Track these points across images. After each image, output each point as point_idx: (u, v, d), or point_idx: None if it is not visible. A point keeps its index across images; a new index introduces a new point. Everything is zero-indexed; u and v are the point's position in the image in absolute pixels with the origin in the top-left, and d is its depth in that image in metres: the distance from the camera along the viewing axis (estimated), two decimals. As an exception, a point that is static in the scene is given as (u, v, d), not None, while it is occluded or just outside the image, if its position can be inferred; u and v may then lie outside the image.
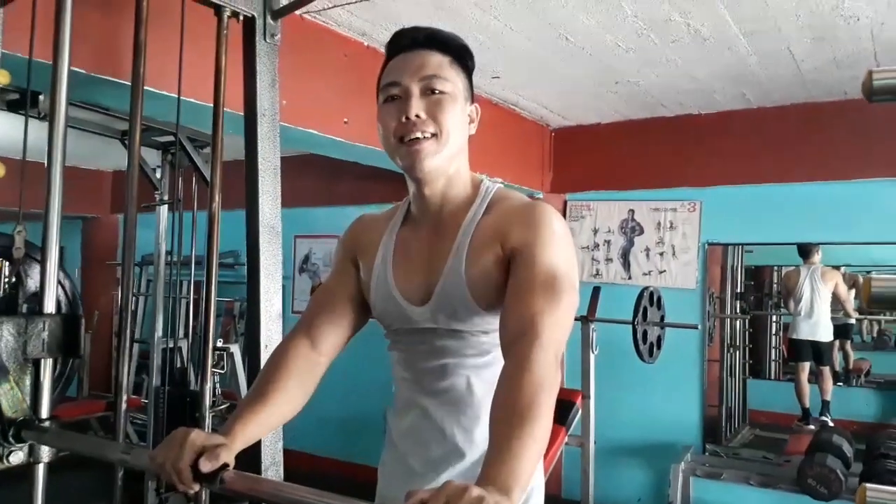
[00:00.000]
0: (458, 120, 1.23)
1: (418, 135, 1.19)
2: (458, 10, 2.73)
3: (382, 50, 1.21)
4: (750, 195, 4.12)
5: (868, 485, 0.68)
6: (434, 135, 1.20)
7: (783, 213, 4.04)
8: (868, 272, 6.06)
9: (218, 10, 1.93)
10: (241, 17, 1.98)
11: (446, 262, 1.23)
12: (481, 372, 1.27)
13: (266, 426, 1.24)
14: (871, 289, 0.67)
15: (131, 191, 1.78)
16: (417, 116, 1.18)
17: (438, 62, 1.22)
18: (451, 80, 1.21)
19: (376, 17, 2.82)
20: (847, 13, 2.70)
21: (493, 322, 1.22)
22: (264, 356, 2.02)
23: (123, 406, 1.77)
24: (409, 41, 1.25)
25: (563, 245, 1.18)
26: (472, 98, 1.29)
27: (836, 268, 5.56)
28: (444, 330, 1.25)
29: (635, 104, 4.05)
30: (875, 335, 6.56)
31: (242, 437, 1.16)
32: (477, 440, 1.26)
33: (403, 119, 1.19)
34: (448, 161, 1.24)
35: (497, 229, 1.21)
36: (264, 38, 2.01)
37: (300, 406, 1.31)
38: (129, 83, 1.79)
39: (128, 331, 1.80)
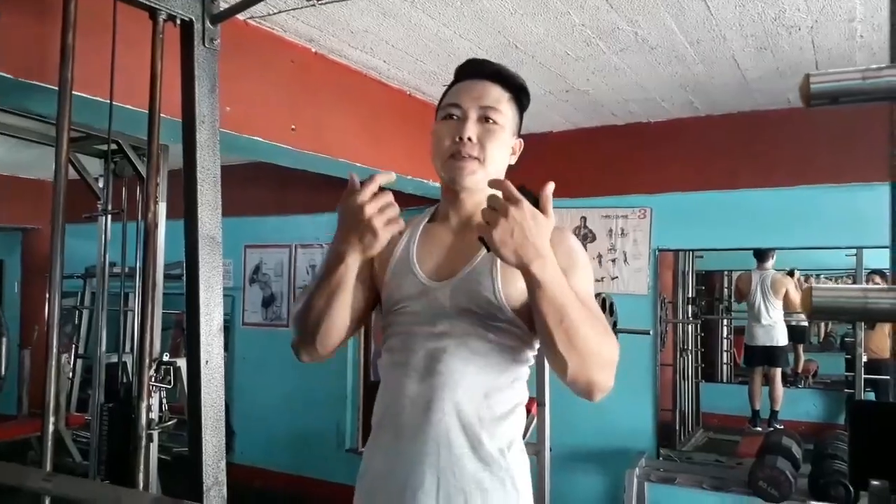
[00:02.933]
0: (503, 150, 1.37)
1: (465, 155, 1.33)
2: (406, 17, 2.70)
3: (330, 56, 1.22)
4: (699, 202, 4.18)
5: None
6: (478, 159, 1.33)
7: (732, 219, 4.10)
8: (818, 275, 6.21)
9: (153, 13, 1.86)
10: (178, 21, 1.91)
11: (478, 254, 1.32)
12: (480, 375, 1.30)
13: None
14: (813, 298, 0.65)
15: (58, 200, 1.70)
16: (469, 139, 1.33)
17: (498, 96, 1.37)
18: (504, 113, 1.36)
19: (324, 23, 2.77)
20: (788, 23, 2.75)
21: (506, 329, 1.30)
22: (205, 373, 1.95)
23: (51, 428, 1.67)
24: (477, 71, 1.41)
25: (590, 274, 1.36)
26: (519, 132, 1.44)
27: (791, 273, 5.70)
28: (456, 312, 1.30)
29: (586, 112, 4.07)
30: (822, 337, 6.74)
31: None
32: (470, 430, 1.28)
33: (457, 138, 1.33)
34: (485, 182, 1.32)
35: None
36: (203, 43, 1.94)
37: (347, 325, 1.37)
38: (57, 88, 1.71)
39: (54, 348, 1.70)
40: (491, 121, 1.35)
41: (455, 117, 1.36)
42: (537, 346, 1.36)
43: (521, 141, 1.45)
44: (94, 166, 3.94)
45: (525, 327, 1.32)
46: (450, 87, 1.44)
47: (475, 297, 1.30)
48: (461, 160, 1.33)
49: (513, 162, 1.44)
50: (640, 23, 2.74)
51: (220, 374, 2.01)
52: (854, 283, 5.47)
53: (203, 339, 1.94)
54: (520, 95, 1.41)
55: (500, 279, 1.30)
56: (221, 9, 1.98)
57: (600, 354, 1.19)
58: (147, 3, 1.82)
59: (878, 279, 5.40)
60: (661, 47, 2.99)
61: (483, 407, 1.29)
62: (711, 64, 3.23)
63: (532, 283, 1.14)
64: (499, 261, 1.25)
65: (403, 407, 1.31)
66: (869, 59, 3.13)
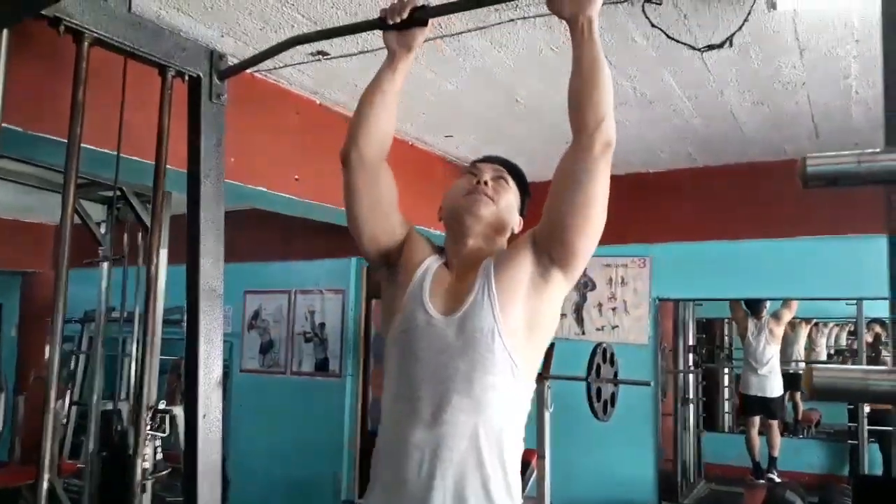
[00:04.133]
0: (511, 206, 1.56)
1: (481, 192, 1.52)
2: (411, 72, 2.74)
3: (335, 108, 1.39)
4: (698, 251, 4.19)
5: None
6: (492, 199, 1.52)
7: (731, 269, 4.11)
8: (815, 323, 6.19)
9: (162, 70, 1.90)
10: (187, 77, 1.95)
11: (475, 290, 1.43)
12: (485, 424, 1.35)
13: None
14: (813, 380, 0.66)
15: (63, 249, 1.72)
16: (486, 184, 1.53)
17: (507, 175, 1.59)
18: (511, 186, 1.58)
19: (328, 77, 2.82)
20: (784, 80, 2.81)
21: (505, 368, 1.37)
22: (202, 426, 1.94)
23: (45, 485, 1.65)
24: (493, 159, 1.63)
25: None
26: (523, 213, 1.63)
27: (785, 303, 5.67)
28: (461, 346, 1.38)
29: (586, 162, 4.11)
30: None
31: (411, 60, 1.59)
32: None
33: (475, 182, 1.53)
34: (491, 227, 1.52)
35: (517, 249, 1.46)
36: (210, 99, 1.98)
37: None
38: (66, 141, 1.73)
39: (52, 402, 1.69)
40: (503, 180, 1.56)
41: (472, 174, 1.57)
42: (533, 389, 1.46)
43: (521, 221, 1.62)
44: (96, 211, 3.97)
45: (521, 366, 1.40)
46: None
47: (478, 326, 1.38)
48: (478, 195, 1.52)
49: (514, 231, 1.59)
50: (639, 78, 2.79)
51: (218, 427, 2.00)
52: (855, 331, 5.46)
53: (202, 391, 1.93)
54: (522, 183, 1.61)
55: (497, 305, 1.39)
56: (229, 65, 2.02)
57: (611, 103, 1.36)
58: (157, 60, 1.86)
59: (878, 328, 5.40)
60: (660, 102, 3.04)
61: (489, 455, 1.34)
62: (709, 118, 3.28)
63: (583, 32, 1.33)
64: (495, 288, 1.40)
65: (408, 455, 1.35)
66: (865, 114, 3.18)
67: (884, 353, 5.29)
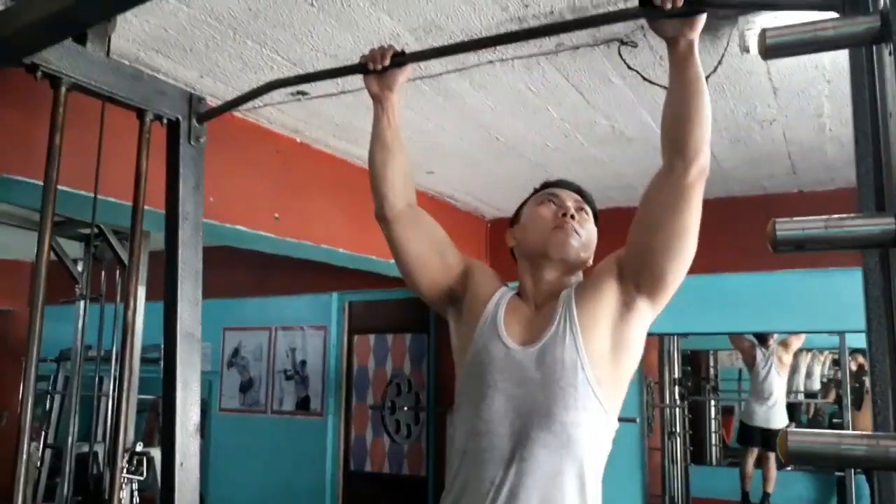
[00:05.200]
0: (593, 242, 1.52)
1: (570, 227, 1.46)
2: (390, 111, 2.76)
3: (316, 146, 1.46)
4: (680, 285, 4.20)
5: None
6: (580, 235, 1.47)
7: (713, 303, 4.13)
8: (812, 352, 6.19)
9: (140, 113, 1.89)
10: (165, 121, 1.95)
11: (555, 321, 1.38)
12: (565, 464, 1.31)
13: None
14: (788, 444, 0.65)
15: (38, 287, 1.68)
16: (573, 217, 1.47)
17: (586, 205, 1.54)
18: (591, 216, 1.54)
19: (309, 115, 2.83)
20: (760, 118, 2.85)
21: (588, 406, 1.32)
22: (179, 475, 1.89)
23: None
24: (567, 185, 1.59)
25: None
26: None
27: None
28: (541, 379, 1.34)
29: (567, 197, 4.14)
30: (810, 416, 6.67)
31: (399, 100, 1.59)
32: None
33: (561, 214, 1.47)
34: (577, 261, 1.48)
35: (600, 278, 1.41)
36: (189, 142, 1.97)
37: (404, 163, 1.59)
38: (42, 184, 1.71)
39: (24, 444, 1.65)
40: (584, 212, 1.52)
41: (554, 203, 1.51)
42: (617, 426, 1.41)
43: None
44: (73, 249, 3.92)
45: (606, 400, 1.34)
46: (536, 192, 1.61)
47: (559, 358, 1.34)
48: (567, 230, 1.46)
49: (589, 265, 1.54)
50: (617, 117, 2.82)
51: (196, 475, 1.96)
52: (838, 362, 5.48)
53: (178, 440, 1.89)
54: (595, 211, 1.58)
55: (580, 337, 1.35)
56: (208, 108, 2.02)
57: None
58: (135, 104, 1.85)
59: (860, 358, 5.42)
60: (638, 140, 3.07)
61: (571, 495, 1.30)
62: (687, 155, 3.32)
63: (684, 54, 1.25)
64: (577, 319, 1.36)
65: (486, 494, 1.31)
66: (839, 151, 3.23)
67: (866, 383, 5.31)
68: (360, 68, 1.57)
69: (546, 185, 1.61)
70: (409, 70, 1.58)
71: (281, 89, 2.51)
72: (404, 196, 1.55)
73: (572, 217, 1.47)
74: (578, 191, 1.57)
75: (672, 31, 1.25)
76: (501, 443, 1.33)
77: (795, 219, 0.66)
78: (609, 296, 1.38)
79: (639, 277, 1.36)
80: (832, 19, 0.74)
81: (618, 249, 1.44)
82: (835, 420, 5.81)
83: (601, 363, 1.34)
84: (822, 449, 0.64)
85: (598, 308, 1.37)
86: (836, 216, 0.66)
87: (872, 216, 0.67)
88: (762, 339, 5.43)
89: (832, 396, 6.16)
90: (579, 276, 1.51)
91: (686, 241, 1.30)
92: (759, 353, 5.49)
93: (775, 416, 5.49)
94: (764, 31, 0.74)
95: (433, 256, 1.54)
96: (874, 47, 0.75)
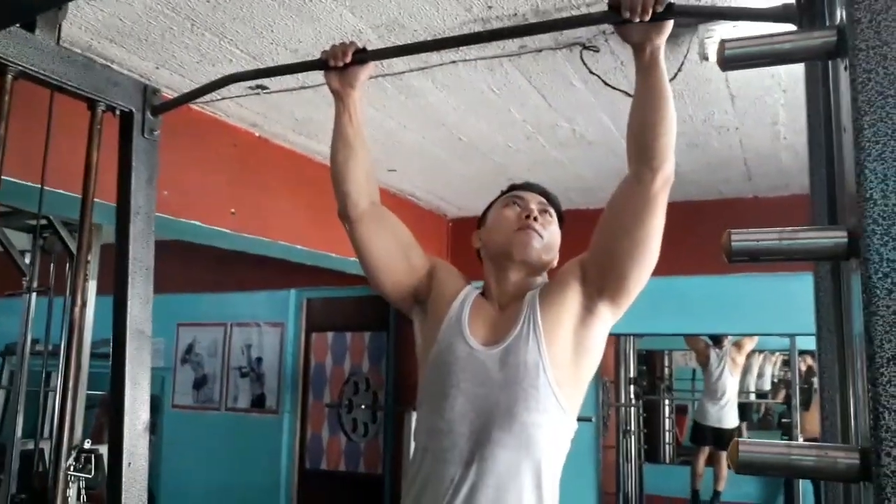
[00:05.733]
0: (556, 243, 1.53)
1: (532, 228, 1.47)
2: (352, 108, 2.73)
3: (274, 140, 1.44)
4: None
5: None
6: (542, 236, 1.48)
7: (668, 305, 4.18)
8: (763, 353, 6.32)
9: (92, 104, 1.83)
10: (118, 112, 1.89)
11: (519, 323, 1.40)
12: (525, 464, 1.32)
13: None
14: (739, 454, 0.65)
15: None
16: (535, 219, 1.48)
17: (549, 207, 1.56)
18: (555, 218, 1.55)
19: (268, 109, 2.79)
20: (717, 124, 2.90)
21: (548, 407, 1.33)
22: (127, 475, 1.84)
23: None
24: (533, 187, 1.60)
25: None
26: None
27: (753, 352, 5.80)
28: (503, 379, 1.35)
29: (528, 198, 4.16)
30: (761, 415, 6.83)
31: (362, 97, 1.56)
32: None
33: (525, 216, 1.49)
34: (540, 262, 1.49)
35: (563, 281, 1.43)
36: (142, 134, 1.91)
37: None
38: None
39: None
40: (548, 214, 1.54)
41: (518, 206, 1.53)
42: (575, 427, 1.42)
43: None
44: (21, 241, 3.80)
45: (566, 402, 1.36)
46: (502, 194, 1.62)
47: (522, 360, 1.35)
48: (529, 232, 1.47)
49: (553, 266, 1.55)
50: (578, 121, 2.84)
51: (144, 476, 1.91)
52: (788, 363, 5.63)
53: (127, 439, 1.84)
54: (560, 213, 1.60)
55: (543, 339, 1.36)
56: (163, 101, 1.96)
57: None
58: (86, 94, 1.79)
59: (809, 359, 5.57)
60: (599, 143, 3.10)
61: (529, 494, 1.32)
62: (647, 158, 3.36)
63: (650, 60, 1.25)
64: (540, 322, 1.37)
65: (445, 493, 1.32)
66: (793, 160, 3.31)
67: (815, 384, 5.45)
68: (321, 64, 1.54)
69: (512, 187, 1.62)
70: (371, 67, 1.55)
71: (240, 83, 2.47)
72: (367, 194, 1.54)
73: (535, 219, 1.48)
74: (544, 193, 1.58)
75: (638, 37, 1.26)
76: (462, 442, 1.34)
77: (750, 230, 0.67)
78: (572, 299, 1.40)
79: (602, 282, 1.38)
80: (790, 32, 0.75)
81: (581, 253, 1.45)
82: (783, 420, 5.96)
83: (562, 365, 1.36)
84: (772, 459, 0.64)
85: (560, 311, 1.39)
86: (789, 228, 0.66)
87: (825, 229, 0.68)
88: (716, 339, 5.53)
89: (781, 396, 6.33)
90: (544, 277, 1.53)
91: (650, 248, 1.33)
92: (713, 354, 5.59)
93: (727, 416, 5.59)
94: (723, 42, 0.74)
95: (398, 257, 1.54)
96: (829, 61, 0.76)
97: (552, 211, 1.55)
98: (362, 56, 1.52)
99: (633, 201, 1.32)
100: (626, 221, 1.33)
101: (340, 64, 1.49)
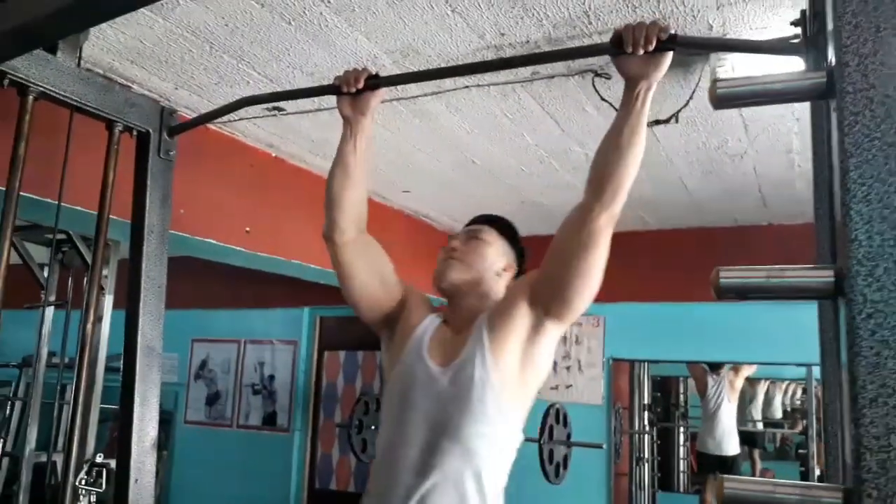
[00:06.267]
0: (485, 260, 1.62)
1: (450, 257, 1.61)
2: (366, 130, 2.77)
3: (291, 161, 1.51)
4: (650, 313, 4.24)
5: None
6: (461, 260, 1.60)
7: (683, 332, 4.16)
8: (769, 381, 6.24)
9: (110, 124, 1.88)
10: (135, 133, 1.93)
11: (468, 341, 1.50)
12: (472, 473, 1.41)
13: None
14: (724, 491, 0.65)
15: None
16: (454, 249, 1.62)
17: (485, 228, 1.68)
18: (487, 236, 1.66)
19: (284, 131, 2.83)
20: (731, 152, 2.90)
21: (496, 419, 1.43)
22: (133, 491, 1.86)
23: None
24: (474, 220, 1.74)
25: None
26: (515, 262, 1.68)
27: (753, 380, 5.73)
28: (454, 393, 1.45)
29: (540, 221, 4.13)
30: (777, 445, 6.70)
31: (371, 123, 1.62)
32: None
33: (449, 248, 1.64)
34: (469, 284, 1.59)
35: (512, 301, 1.50)
36: (158, 155, 1.96)
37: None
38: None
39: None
40: (475, 239, 1.64)
41: (452, 239, 1.68)
42: (521, 437, 1.52)
43: (514, 266, 1.68)
44: (41, 254, 3.87)
45: (511, 414, 1.46)
46: None
47: (470, 376, 1.44)
48: (447, 261, 1.61)
49: (504, 277, 1.64)
50: (591, 146, 2.83)
51: (150, 492, 1.92)
52: (805, 393, 5.54)
53: (134, 456, 1.86)
54: (504, 230, 1.70)
55: (489, 357, 1.45)
56: (179, 122, 2.01)
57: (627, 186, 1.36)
58: (104, 115, 1.84)
59: (826, 390, 5.47)
60: (612, 168, 3.10)
61: (473, 500, 1.41)
62: (660, 184, 3.36)
63: (638, 97, 1.30)
64: (487, 341, 1.46)
65: (399, 500, 1.41)
66: (807, 188, 3.27)
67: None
68: (334, 89, 1.58)
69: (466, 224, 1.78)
70: (382, 94, 1.60)
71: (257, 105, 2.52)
72: (356, 223, 1.61)
73: (454, 249, 1.62)
74: (486, 220, 1.72)
75: (635, 71, 1.29)
76: (414, 453, 1.44)
77: (738, 268, 0.67)
78: (519, 318, 1.47)
79: (549, 303, 1.45)
80: (782, 74, 0.76)
81: (533, 271, 1.54)
82: (801, 451, 5.85)
83: (508, 380, 1.45)
84: (756, 496, 0.64)
85: (508, 330, 1.47)
86: (777, 267, 0.67)
87: (812, 268, 0.68)
88: (713, 365, 5.49)
89: (800, 427, 6.21)
90: (496, 293, 1.61)
91: (593, 276, 1.40)
92: (710, 380, 5.55)
93: (728, 443, 5.56)
94: (714, 81, 0.75)
95: (375, 284, 1.63)
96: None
97: (486, 232, 1.66)
98: (375, 82, 1.55)
99: (578, 231, 1.38)
100: (570, 250, 1.39)
101: (353, 89, 1.54)
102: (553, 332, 1.49)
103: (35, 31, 1.17)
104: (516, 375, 1.46)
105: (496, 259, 1.64)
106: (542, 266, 1.48)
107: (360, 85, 1.53)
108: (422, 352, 1.54)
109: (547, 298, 1.45)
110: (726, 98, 0.75)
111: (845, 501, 0.61)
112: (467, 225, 1.74)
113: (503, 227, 1.71)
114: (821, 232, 1.21)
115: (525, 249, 1.73)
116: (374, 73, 1.56)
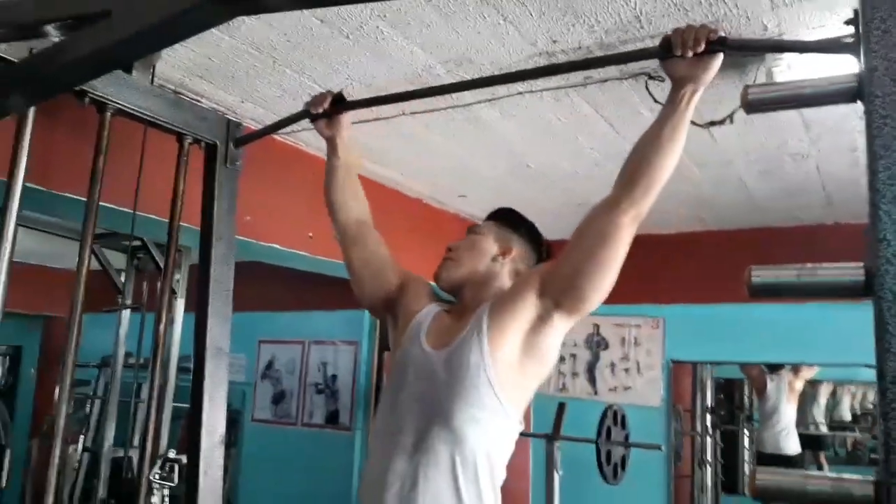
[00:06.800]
0: (478, 252, 1.67)
1: (446, 258, 1.69)
2: (422, 139, 2.84)
3: None
4: (711, 314, 4.17)
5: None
6: (453, 259, 1.68)
7: (744, 333, 4.08)
8: (838, 383, 6.04)
9: (180, 137, 1.99)
10: (203, 144, 2.04)
11: (468, 328, 1.51)
12: (463, 457, 1.42)
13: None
14: (757, 482, 0.68)
15: (77, 296, 1.77)
16: (450, 250, 1.71)
17: (485, 223, 1.77)
18: (483, 229, 1.73)
19: (343, 139, 2.92)
20: (791, 151, 2.84)
21: (491, 404, 1.43)
22: (203, 483, 1.96)
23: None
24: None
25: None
26: (520, 245, 1.70)
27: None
28: (447, 378, 1.46)
29: (598, 223, 4.16)
30: (849, 449, 6.47)
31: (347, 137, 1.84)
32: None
33: (447, 248, 1.72)
34: (465, 280, 1.65)
35: (519, 291, 1.51)
36: (225, 165, 2.06)
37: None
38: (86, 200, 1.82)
39: (57, 449, 1.73)
40: (471, 234, 1.73)
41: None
42: (519, 427, 1.51)
43: (514, 249, 1.69)
44: (118, 260, 4.08)
45: (507, 402, 1.45)
46: None
47: (464, 361, 1.45)
48: (443, 262, 1.69)
49: (503, 262, 1.67)
50: (646, 147, 2.84)
51: (219, 485, 2.03)
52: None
53: (203, 450, 1.96)
54: (502, 219, 1.75)
55: (487, 343, 1.46)
56: (244, 134, 2.11)
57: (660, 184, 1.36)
58: (175, 128, 1.96)
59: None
60: (668, 169, 3.09)
61: (465, 485, 1.41)
62: (719, 185, 3.32)
63: (684, 98, 1.31)
64: (487, 328, 1.47)
65: (390, 484, 1.42)
66: (874, 185, 3.19)
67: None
68: (306, 114, 1.80)
69: None
70: (351, 113, 1.82)
71: (316, 114, 2.61)
72: (356, 222, 1.82)
73: (449, 250, 1.71)
74: (489, 217, 1.79)
75: (683, 72, 1.29)
76: (407, 436, 1.45)
77: (770, 267, 0.70)
78: (524, 308, 1.48)
79: (561, 296, 1.45)
80: (813, 79, 0.77)
81: (546, 263, 1.60)
82: (873, 455, 5.66)
83: (505, 369, 1.45)
84: (788, 486, 0.67)
85: (510, 318, 1.48)
86: (809, 265, 0.69)
87: (843, 267, 0.70)
88: (773, 367, 5.39)
89: (871, 431, 6.00)
90: (500, 284, 1.65)
91: (610, 272, 1.39)
92: (769, 381, 5.45)
93: (786, 443, 5.47)
94: (746, 87, 0.78)
95: (374, 273, 1.77)
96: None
97: (481, 226, 1.75)
98: (341, 103, 1.77)
99: (603, 224, 1.38)
100: (592, 244, 1.39)
101: (321, 110, 1.76)
102: (560, 325, 1.47)
103: (113, 54, 1.27)
104: (515, 364, 1.46)
105: (489, 246, 1.68)
106: (560, 258, 1.48)
107: (327, 105, 1.76)
108: (420, 335, 1.58)
109: (560, 290, 1.44)
110: (758, 103, 0.78)
111: (876, 493, 0.63)
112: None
113: (499, 215, 1.77)
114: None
115: (533, 227, 1.75)
116: (337, 94, 1.78)
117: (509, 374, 1.46)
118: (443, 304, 1.70)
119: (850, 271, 0.69)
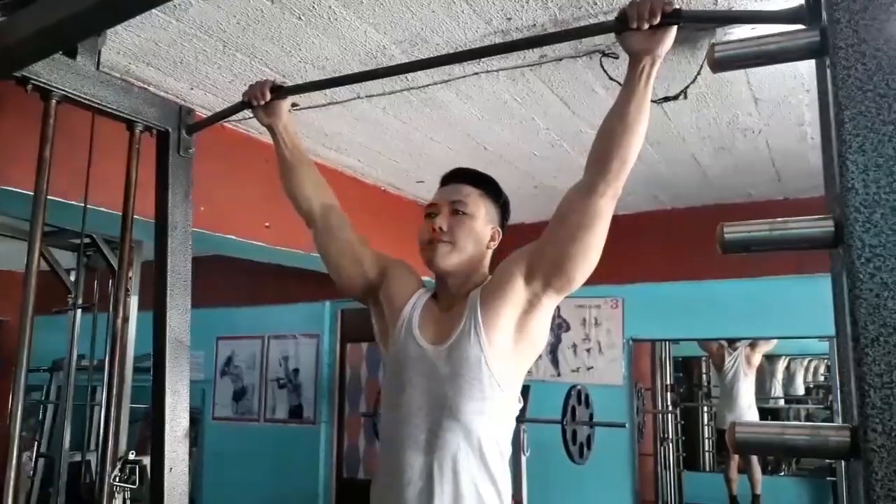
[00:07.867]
0: (473, 236, 1.58)
1: (438, 240, 1.56)
2: (378, 122, 2.81)
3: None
4: (669, 292, 4.25)
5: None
6: (450, 243, 1.56)
7: (702, 310, 4.17)
8: (793, 357, 6.23)
9: (130, 125, 1.93)
10: (154, 132, 1.98)
11: (462, 320, 1.50)
12: (475, 447, 1.44)
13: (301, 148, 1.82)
14: (736, 435, 0.69)
15: (28, 299, 1.71)
16: (441, 229, 1.56)
17: (467, 192, 1.61)
18: (473, 205, 1.60)
19: (297, 126, 2.86)
20: (742, 126, 2.90)
21: (493, 395, 1.45)
22: (168, 480, 1.92)
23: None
24: (452, 177, 1.68)
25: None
26: (499, 223, 1.65)
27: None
28: (450, 374, 1.46)
29: (555, 205, 4.18)
30: (802, 421, 6.68)
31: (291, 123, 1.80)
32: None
33: (433, 229, 1.57)
34: (459, 265, 1.57)
35: (506, 276, 1.49)
36: (178, 152, 2.00)
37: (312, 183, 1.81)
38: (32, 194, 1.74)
39: (13, 456, 1.67)
40: (461, 212, 1.58)
41: (432, 215, 1.60)
42: (519, 404, 1.54)
43: (500, 230, 1.65)
44: (66, 258, 3.95)
45: (507, 387, 1.47)
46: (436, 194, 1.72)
47: (465, 356, 1.46)
48: (434, 247, 1.57)
49: (492, 247, 1.64)
50: (602, 127, 2.87)
51: (185, 481, 1.98)
52: (829, 369, 5.52)
53: (168, 445, 1.92)
54: (489, 191, 1.65)
55: (483, 335, 1.46)
56: (196, 120, 2.05)
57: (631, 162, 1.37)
58: (125, 116, 1.89)
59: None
60: (624, 148, 3.12)
61: (478, 469, 1.44)
62: (672, 162, 3.37)
63: (642, 72, 1.31)
64: (481, 319, 1.47)
65: (408, 478, 1.44)
66: (820, 160, 3.27)
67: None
68: (246, 105, 1.76)
69: (442, 180, 1.71)
70: (290, 98, 1.77)
71: (270, 100, 2.56)
72: (319, 204, 1.77)
73: (441, 229, 1.56)
74: (464, 179, 1.65)
75: (639, 46, 1.30)
76: (418, 432, 1.46)
77: (742, 222, 0.70)
78: (513, 294, 1.48)
79: (548, 278, 1.45)
80: (776, 34, 0.78)
81: (527, 246, 1.52)
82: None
83: (503, 355, 1.47)
84: (768, 438, 0.67)
85: (501, 306, 1.48)
86: (780, 220, 0.70)
87: (813, 219, 0.71)
88: (730, 340, 5.48)
89: (824, 403, 6.19)
90: (485, 266, 1.63)
91: (594, 252, 1.42)
92: (727, 355, 5.54)
93: (746, 417, 5.52)
94: (713, 45, 0.78)
95: (348, 258, 1.71)
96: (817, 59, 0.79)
97: (469, 200, 1.59)
98: (279, 93, 1.73)
99: (583, 208, 1.39)
100: (573, 228, 1.40)
101: (262, 102, 1.72)
102: (548, 305, 1.49)
103: (56, 33, 1.22)
104: (511, 350, 1.48)
105: (484, 231, 1.60)
106: (542, 243, 1.48)
107: (267, 96, 1.72)
108: (413, 329, 1.56)
109: (549, 272, 1.44)
110: (724, 60, 0.78)
111: (853, 437, 0.64)
112: (444, 184, 1.68)
113: (485, 185, 1.65)
114: (829, 194, 1.23)
115: (508, 201, 1.70)
116: (275, 83, 1.74)
117: (507, 361, 1.48)
118: (427, 289, 1.66)
119: (819, 223, 0.70)
